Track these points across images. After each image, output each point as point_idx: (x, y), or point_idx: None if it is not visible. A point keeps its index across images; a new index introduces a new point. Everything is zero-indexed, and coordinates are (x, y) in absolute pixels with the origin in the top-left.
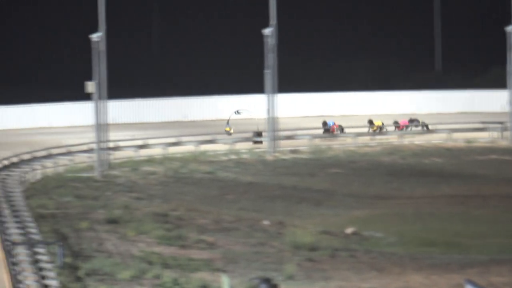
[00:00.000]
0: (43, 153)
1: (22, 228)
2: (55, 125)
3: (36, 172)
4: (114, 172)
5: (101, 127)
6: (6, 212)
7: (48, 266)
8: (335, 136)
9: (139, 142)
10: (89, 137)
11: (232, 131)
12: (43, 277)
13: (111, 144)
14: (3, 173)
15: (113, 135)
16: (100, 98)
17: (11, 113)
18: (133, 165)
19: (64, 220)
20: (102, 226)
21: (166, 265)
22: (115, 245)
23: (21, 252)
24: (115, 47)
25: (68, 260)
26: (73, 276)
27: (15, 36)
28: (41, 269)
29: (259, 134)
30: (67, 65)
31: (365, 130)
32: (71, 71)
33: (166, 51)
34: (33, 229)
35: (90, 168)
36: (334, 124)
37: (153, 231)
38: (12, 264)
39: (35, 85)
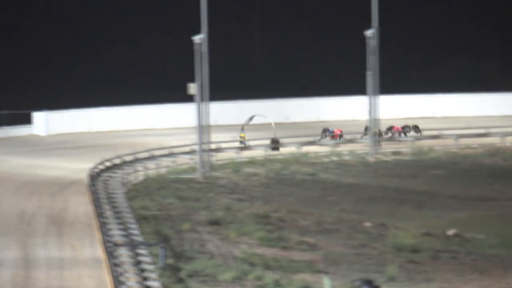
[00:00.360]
0: (146, 154)
1: (124, 229)
2: (158, 126)
3: (139, 174)
4: (216, 174)
5: (203, 128)
6: (109, 213)
7: (150, 267)
8: (338, 141)
9: (242, 144)
10: (191, 139)
11: (245, 138)
12: (145, 278)
13: (213, 146)
14: (105, 174)
15: (215, 136)
16: (202, 99)
17: (114, 115)
18: (235, 166)
19: (166, 221)
20: (204, 227)
21: (267, 267)
22: (217, 246)
23: (123, 253)
24: (217, 48)
25: (170, 261)
26: (175, 278)
27: (117, 38)
28: (143, 270)
29: (276, 141)
30: (169, 67)
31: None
32: (173, 73)
33: (268, 53)
34: (135, 230)
35: (192, 169)
36: (334, 131)
37: (255, 233)
38: (114, 265)
39: (138, 86)
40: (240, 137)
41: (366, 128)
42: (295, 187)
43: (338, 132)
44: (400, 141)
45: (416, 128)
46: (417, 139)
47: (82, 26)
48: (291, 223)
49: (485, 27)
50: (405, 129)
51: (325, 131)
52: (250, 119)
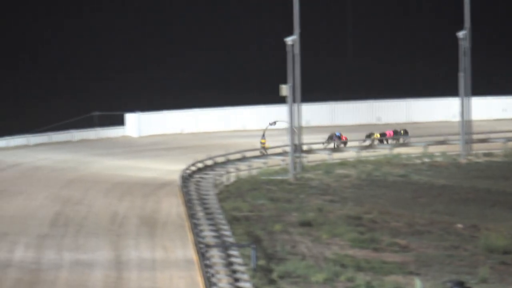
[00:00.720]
0: (237, 155)
1: (216, 230)
2: (249, 128)
3: (230, 175)
4: (308, 175)
5: (295, 130)
6: (200, 214)
7: (242, 268)
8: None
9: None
10: (283, 140)
11: (267, 144)
12: (237, 280)
13: (304, 147)
14: (197, 175)
15: (306, 137)
16: (294, 101)
17: (206, 116)
18: (326, 168)
19: (258, 222)
20: (295, 228)
21: (359, 268)
22: (308, 247)
23: (215, 255)
24: (309, 49)
25: (262, 262)
26: (266, 279)
27: (209, 40)
28: (234, 271)
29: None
30: (261, 68)
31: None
32: (265, 74)
33: (360, 54)
34: (226, 231)
35: (284, 170)
36: (341, 135)
37: (346, 234)
38: (205, 266)
39: (230, 88)
40: (261, 143)
41: (369, 135)
42: (386, 188)
43: (344, 139)
44: (378, 148)
45: (405, 133)
46: (509, 140)
47: (176, 28)
48: (382, 224)
49: None
50: (396, 134)
51: (332, 136)
52: (272, 124)
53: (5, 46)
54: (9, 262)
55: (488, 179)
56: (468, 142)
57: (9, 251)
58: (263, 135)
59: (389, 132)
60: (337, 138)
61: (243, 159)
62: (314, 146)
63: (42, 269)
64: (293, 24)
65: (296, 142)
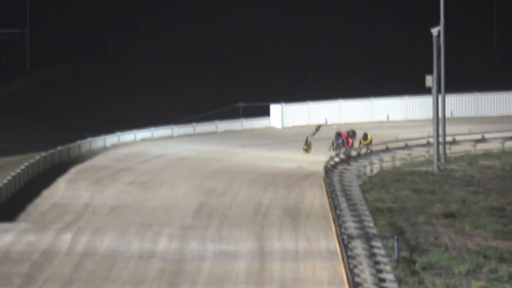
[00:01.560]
0: (381, 147)
1: (359, 221)
2: (393, 118)
3: (374, 166)
4: (451, 166)
5: (439, 121)
6: (344, 205)
7: (384, 259)
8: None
9: (477, 136)
10: (427, 131)
11: (310, 149)
12: (379, 271)
13: (448, 138)
14: (341, 167)
15: (450, 129)
16: (439, 92)
17: (349, 107)
18: (470, 159)
19: (401, 214)
20: (438, 220)
21: (502, 260)
22: (451, 239)
23: (358, 246)
24: (454, 40)
25: (404, 253)
26: (409, 270)
27: (351, 32)
28: (377, 262)
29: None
30: (406, 59)
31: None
32: (410, 65)
33: (505, 47)
34: (369, 222)
35: (428, 162)
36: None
37: (490, 225)
38: (348, 257)
39: (374, 78)
40: (304, 150)
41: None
42: None
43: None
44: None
45: (353, 134)
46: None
47: (320, 18)
48: None
49: None
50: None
51: (339, 135)
52: (317, 129)
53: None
54: (153, 253)
55: None
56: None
57: (153, 242)
58: (307, 141)
59: (344, 132)
60: (340, 138)
61: (387, 150)
62: (458, 138)
63: (185, 260)
64: (440, 15)
65: (440, 133)
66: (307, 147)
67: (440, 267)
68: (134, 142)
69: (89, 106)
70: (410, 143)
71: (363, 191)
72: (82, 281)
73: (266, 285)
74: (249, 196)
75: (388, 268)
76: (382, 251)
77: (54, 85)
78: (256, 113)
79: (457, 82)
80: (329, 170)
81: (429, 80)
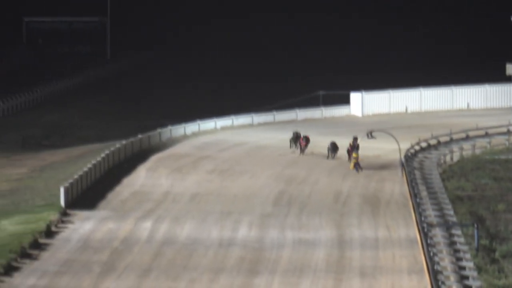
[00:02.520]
0: (461, 135)
1: (439, 210)
2: (474, 107)
3: (454, 154)
4: None
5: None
6: (423, 194)
7: (464, 248)
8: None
9: None
10: (507, 119)
11: (360, 158)
12: (459, 259)
13: None
14: (421, 155)
15: None
16: None
17: (429, 95)
18: None
19: (481, 202)
20: None
21: None
22: None
23: (438, 234)
24: None
25: (484, 242)
26: (489, 258)
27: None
28: (456, 250)
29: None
30: (487, 47)
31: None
32: (491, 53)
33: None
34: (449, 211)
35: (508, 150)
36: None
37: None
38: (428, 245)
39: (454, 66)
40: (353, 157)
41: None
42: None
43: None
44: None
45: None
46: None
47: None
48: None
49: None
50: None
51: (297, 137)
52: (370, 134)
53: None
54: (232, 241)
55: None
56: None
57: (233, 230)
58: (357, 148)
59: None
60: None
61: (467, 138)
62: None
63: (264, 248)
64: None
65: None
66: (357, 155)
67: None
68: (214, 130)
69: (169, 93)
70: (490, 131)
71: (443, 180)
72: (162, 269)
73: (346, 273)
74: (328, 184)
75: (468, 256)
76: (462, 239)
77: (134, 73)
78: (336, 101)
79: None
80: (409, 158)
81: (510, 68)
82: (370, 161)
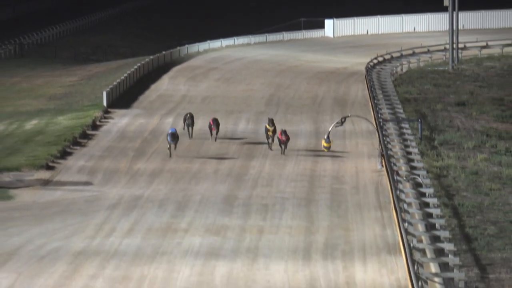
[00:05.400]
0: (409, 52)
1: (391, 108)
2: (419, 30)
3: (403, 66)
4: (462, 66)
5: (454, 32)
6: (380, 96)
7: (410, 137)
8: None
9: (482, 44)
10: (444, 40)
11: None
12: (407, 146)
13: (460, 45)
14: (378, 67)
15: (462, 38)
16: (453, 10)
17: (385, 21)
18: (477, 61)
19: (423, 102)
20: (452, 107)
21: (500, 137)
22: (462, 122)
23: (390, 127)
24: None
25: (426, 133)
26: (430, 145)
27: None
28: (405, 140)
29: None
30: None
31: None
32: None
33: None
34: (399, 109)
35: (444, 63)
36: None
37: (491, 112)
38: (383, 136)
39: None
40: (324, 147)
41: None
42: None
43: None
44: None
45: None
46: None
47: None
48: None
49: None
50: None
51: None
52: (342, 121)
53: None
54: (235, 132)
55: None
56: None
57: (235, 124)
58: (328, 137)
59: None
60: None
61: (413, 54)
62: (468, 45)
63: (258, 138)
64: None
65: (454, 41)
66: (329, 144)
67: (453, 143)
68: (220, 48)
69: (186, 21)
70: (431, 49)
71: (395, 86)
72: (180, 154)
73: (321, 157)
74: (307, 89)
75: (413, 144)
76: (409, 131)
77: (160, 5)
78: (314, 26)
79: (469, 2)
80: (369, 69)
81: (446, 1)
82: (340, 72)
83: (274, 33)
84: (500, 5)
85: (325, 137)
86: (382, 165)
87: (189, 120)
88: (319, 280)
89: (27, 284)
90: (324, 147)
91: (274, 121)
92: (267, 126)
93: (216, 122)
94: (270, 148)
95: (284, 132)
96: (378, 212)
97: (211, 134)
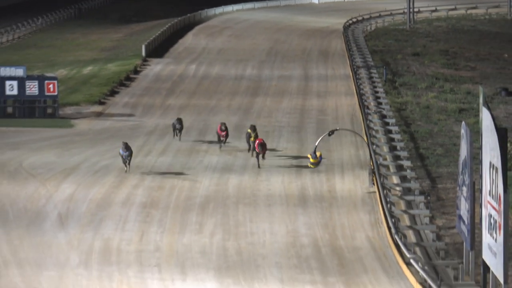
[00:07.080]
0: (376, 14)
1: (363, 58)
2: None
3: (372, 26)
4: (417, 26)
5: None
6: (354, 49)
7: (377, 80)
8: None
9: (432, 8)
10: (404, 5)
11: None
12: (375, 87)
13: (416, 10)
14: (353, 26)
15: (417, 4)
16: None
17: None
18: (428, 21)
19: (387, 53)
20: (409, 57)
21: (446, 80)
22: (417, 68)
23: (362, 72)
24: None
25: (389, 77)
26: (392, 86)
27: None
28: (373, 82)
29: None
30: None
31: None
32: None
33: None
34: (369, 58)
35: (403, 23)
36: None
37: (439, 60)
38: (357, 79)
39: None
40: (310, 163)
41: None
42: (463, 33)
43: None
44: None
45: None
46: None
47: None
48: (460, 54)
49: None
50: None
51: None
52: (330, 134)
53: None
54: (242, 76)
55: None
56: None
57: (243, 70)
58: (314, 152)
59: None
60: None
61: (379, 16)
62: (421, 9)
63: (261, 80)
64: None
65: (411, 6)
66: (315, 160)
67: (410, 84)
68: (231, 12)
69: None
70: (394, 12)
71: (365, 40)
72: (201, 93)
73: (309, 95)
74: (299, 43)
75: (379, 85)
76: (376, 75)
77: None
78: None
79: None
80: (346, 28)
81: None
82: (323, 30)
83: (273, 0)
84: None
85: (312, 152)
86: (374, 184)
87: (179, 125)
88: (308, 189)
89: (85, 192)
90: (311, 163)
91: (256, 128)
92: (249, 130)
93: (224, 126)
94: (252, 155)
95: (261, 144)
96: (353, 137)
97: (219, 140)
